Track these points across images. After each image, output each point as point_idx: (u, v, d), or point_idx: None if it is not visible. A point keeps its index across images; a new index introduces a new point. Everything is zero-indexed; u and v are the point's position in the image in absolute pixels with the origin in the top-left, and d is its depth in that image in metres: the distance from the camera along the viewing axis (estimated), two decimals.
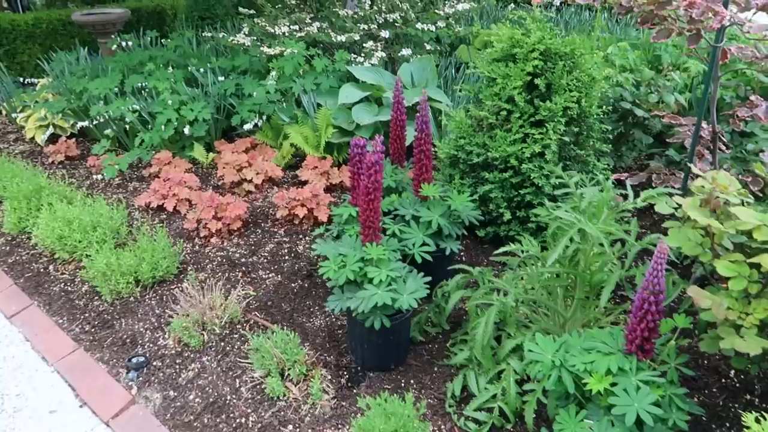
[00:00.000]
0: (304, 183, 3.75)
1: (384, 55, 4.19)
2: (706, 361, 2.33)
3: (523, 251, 2.41)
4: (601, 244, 2.00)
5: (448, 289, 2.43)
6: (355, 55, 4.17)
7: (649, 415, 1.51)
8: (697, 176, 2.51)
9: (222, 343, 2.47)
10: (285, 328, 2.42)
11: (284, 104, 4.01)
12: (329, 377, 2.27)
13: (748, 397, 2.15)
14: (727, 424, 2.04)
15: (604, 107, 2.88)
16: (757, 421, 1.42)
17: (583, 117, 2.88)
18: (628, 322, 1.64)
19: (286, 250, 3.12)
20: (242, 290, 2.76)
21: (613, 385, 1.60)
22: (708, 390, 2.19)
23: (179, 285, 2.85)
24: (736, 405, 2.12)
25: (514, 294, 2.16)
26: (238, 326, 2.56)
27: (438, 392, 2.22)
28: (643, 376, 1.61)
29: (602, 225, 1.86)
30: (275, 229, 3.31)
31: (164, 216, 3.46)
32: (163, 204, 3.45)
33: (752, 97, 2.42)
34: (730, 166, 2.44)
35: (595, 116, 2.90)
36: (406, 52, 4.24)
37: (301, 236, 3.24)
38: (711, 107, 2.29)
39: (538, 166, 2.79)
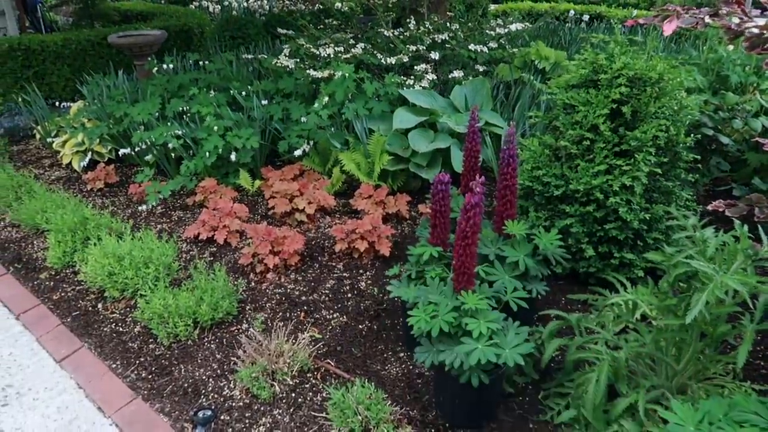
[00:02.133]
0: (358, 212, 3.58)
1: (434, 77, 4.03)
2: None
3: (610, 290, 2.22)
4: (729, 294, 1.80)
5: (543, 338, 2.23)
6: (404, 78, 4.01)
7: None
8: None
9: (293, 395, 2.28)
10: (364, 382, 2.23)
11: (333, 129, 3.85)
12: None
13: None
14: None
15: (692, 135, 2.69)
16: None
17: (670, 146, 2.69)
18: None
19: (347, 287, 2.93)
20: (308, 334, 2.58)
21: None
22: None
23: (239, 326, 2.67)
24: None
25: (627, 348, 1.96)
26: (308, 375, 2.37)
27: None
28: None
29: (739, 275, 1.66)
30: (333, 264, 3.13)
31: (214, 249, 3.29)
32: (213, 236, 3.29)
33: None
34: None
35: (682, 144, 2.71)
36: (457, 74, 4.08)
37: (361, 271, 3.06)
38: None
39: (625, 199, 2.59)
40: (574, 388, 2.03)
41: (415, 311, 2.02)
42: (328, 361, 2.43)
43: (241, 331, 2.64)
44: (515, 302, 2.16)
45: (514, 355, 1.87)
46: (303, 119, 3.79)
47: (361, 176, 3.59)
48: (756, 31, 2.16)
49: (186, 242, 3.36)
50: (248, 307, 2.80)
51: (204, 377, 2.41)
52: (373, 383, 2.21)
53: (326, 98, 3.69)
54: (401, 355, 2.48)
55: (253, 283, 2.98)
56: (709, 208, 2.56)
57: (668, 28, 1.86)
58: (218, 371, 2.43)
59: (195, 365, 2.47)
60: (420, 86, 3.93)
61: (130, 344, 2.63)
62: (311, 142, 3.87)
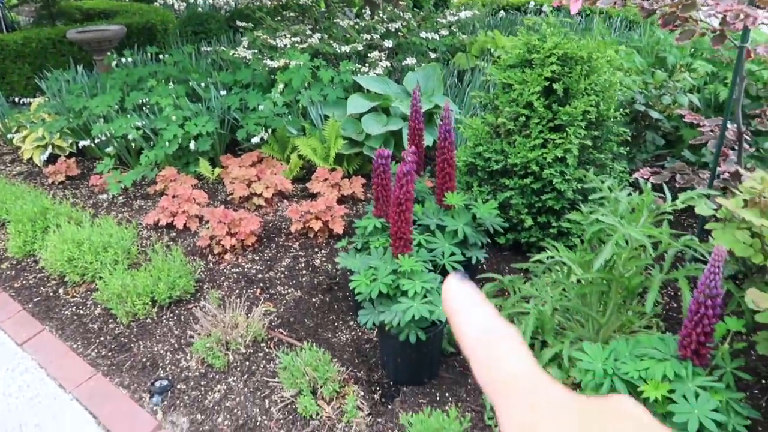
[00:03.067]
0: (315, 195, 3.70)
1: (388, 64, 4.16)
2: (743, 362, 2.29)
3: (549, 258, 2.38)
4: (640, 247, 1.97)
5: None
6: (360, 66, 4.14)
7: (711, 421, 1.47)
8: (721, 176, 2.49)
9: (247, 363, 2.40)
10: (312, 345, 2.35)
11: (290, 117, 3.96)
12: (362, 394, 2.21)
13: None
14: None
15: (620, 110, 2.86)
16: None
17: (601, 121, 2.86)
18: (683, 327, 1.61)
19: (303, 264, 3.05)
20: (262, 307, 2.69)
21: (671, 392, 1.56)
22: (749, 391, 2.16)
23: (197, 304, 2.77)
24: None
25: (551, 302, 2.12)
26: (262, 344, 2.49)
27: (475, 404, 2.16)
28: (701, 382, 1.57)
29: (644, 228, 1.83)
30: (290, 244, 3.25)
31: (174, 234, 3.38)
32: (172, 221, 3.38)
33: None
34: (754, 165, 2.43)
35: (612, 119, 2.89)
36: (410, 61, 4.22)
37: (316, 249, 3.18)
38: (736, 107, 2.28)
39: (559, 171, 2.76)
40: None
41: (356, 276, 2.15)
42: (281, 330, 2.56)
43: (198, 308, 2.74)
44: (451, 265, 2.30)
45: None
46: (260, 107, 3.89)
47: (318, 161, 3.71)
48: (668, 9, 2.33)
49: (146, 228, 3.44)
50: (206, 286, 2.90)
51: (162, 352, 2.51)
52: (322, 348, 2.34)
53: (281, 86, 3.79)
54: (351, 323, 2.61)
55: (211, 264, 3.08)
56: (635, 175, 2.75)
57: (574, 8, 2.01)
58: (176, 345, 2.54)
59: (153, 341, 2.57)
60: (374, 73, 4.06)
61: (91, 325, 2.72)
62: (269, 130, 3.97)
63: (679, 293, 2.70)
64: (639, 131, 3.42)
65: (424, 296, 2.05)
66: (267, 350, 2.46)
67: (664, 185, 2.01)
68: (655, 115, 3.17)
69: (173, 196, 3.50)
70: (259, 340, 2.50)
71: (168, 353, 2.49)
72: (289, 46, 4.29)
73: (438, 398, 2.20)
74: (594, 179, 2.13)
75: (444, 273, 2.29)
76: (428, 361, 2.24)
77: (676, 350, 1.66)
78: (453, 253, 2.37)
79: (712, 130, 2.58)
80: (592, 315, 2.17)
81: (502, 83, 2.95)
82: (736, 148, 2.42)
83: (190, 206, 3.41)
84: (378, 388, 2.24)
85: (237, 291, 2.86)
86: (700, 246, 1.90)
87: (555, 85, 2.76)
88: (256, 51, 4.43)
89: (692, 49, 4.08)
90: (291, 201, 3.71)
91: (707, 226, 1.83)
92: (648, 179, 2.72)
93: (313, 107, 3.83)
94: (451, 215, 2.56)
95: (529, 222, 2.83)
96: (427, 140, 3.62)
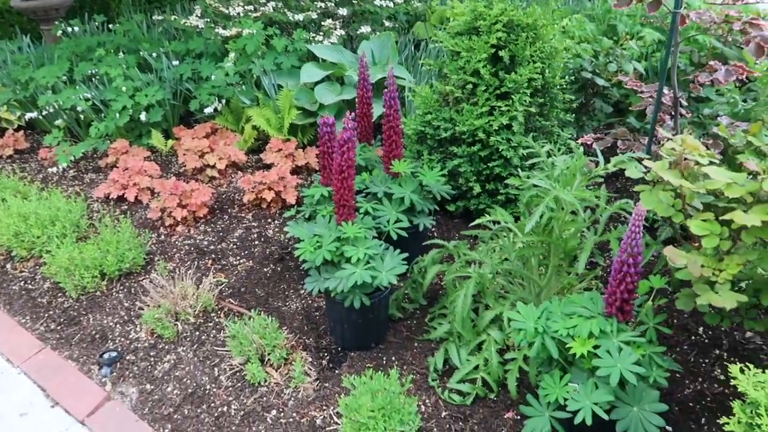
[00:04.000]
0: (269, 166, 3.67)
1: (343, 33, 4.12)
2: (675, 320, 2.40)
3: (495, 223, 2.43)
4: (575, 212, 2.03)
5: (424, 265, 2.43)
6: (314, 34, 4.09)
7: (632, 374, 1.55)
8: (661, 141, 2.56)
9: (197, 333, 2.41)
10: (261, 313, 2.38)
11: (244, 87, 3.91)
12: (310, 360, 2.25)
13: (717, 352, 2.23)
14: (700, 379, 2.11)
15: (566, 78, 2.90)
16: (742, 371, 1.47)
17: (547, 88, 2.90)
18: (608, 285, 1.67)
19: (255, 235, 3.06)
20: (213, 278, 2.70)
21: (596, 347, 1.63)
22: (679, 347, 2.26)
23: (147, 276, 2.77)
24: (707, 360, 2.20)
25: (490, 265, 2.17)
26: (212, 314, 2.50)
27: (420, 367, 2.22)
28: (624, 337, 1.64)
29: (576, 191, 1.88)
30: (243, 215, 3.24)
31: (126, 207, 3.34)
32: (123, 194, 3.34)
33: (711, 62, 2.47)
34: (690, 130, 2.50)
35: (558, 87, 2.92)
36: (365, 29, 4.18)
37: (269, 220, 3.18)
38: (671, 73, 2.33)
39: (505, 138, 2.80)
40: (449, 306, 2.23)
41: (302, 244, 2.17)
42: (230, 300, 2.57)
43: (149, 280, 2.74)
44: (395, 232, 2.34)
45: (389, 277, 2.05)
46: (212, 77, 3.83)
47: (271, 131, 3.69)
48: None
49: (97, 202, 3.39)
50: (157, 258, 2.89)
51: (111, 324, 2.51)
52: (272, 317, 2.37)
53: (232, 54, 3.74)
54: (302, 292, 2.64)
55: (162, 237, 3.07)
56: (579, 141, 2.80)
57: None
58: (125, 318, 2.54)
59: (103, 314, 2.57)
60: (329, 42, 4.02)
61: (39, 300, 2.69)
62: (223, 101, 3.92)
63: None
64: (588, 99, 3.47)
65: (367, 262, 2.09)
66: (217, 320, 2.48)
67: (598, 150, 2.06)
68: (601, 82, 3.22)
69: (124, 169, 3.45)
70: (209, 310, 2.51)
71: (117, 326, 2.49)
72: (242, 14, 4.21)
73: (384, 362, 2.25)
74: (533, 144, 2.17)
75: (389, 240, 2.33)
76: (374, 327, 2.29)
77: (603, 308, 1.73)
78: (398, 220, 2.40)
79: (651, 96, 2.63)
80: (533, 278, 2.23)
81: (451, 51, 2.96)
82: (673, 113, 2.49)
83: (141, 178, 3.37)
84: (326, 354, 2.29)
85: (188, 263, 2.86)
86: (632, 208, 1.96)
87: (501, 53, 2.78)
88: (208, 20, 4.33)
89: (642, 18, 4.13)
90: (245, 172, 3.69)
91: (636, 189, 1.89)
92: (591, 145, 2.78)
93: (267, 77, 3.79)
94: (398, 183, 2.58)
95: (477, 189, 2.88)
96: (378, 109, 3.62)
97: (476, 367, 2.09)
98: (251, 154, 3.86)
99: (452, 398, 2.06)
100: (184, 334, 2.40)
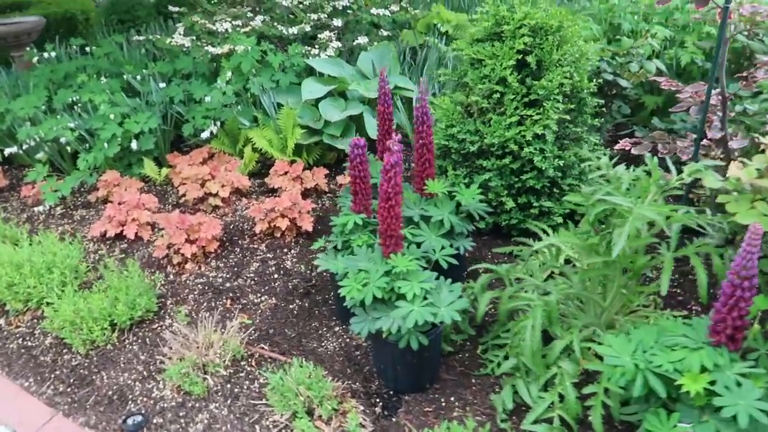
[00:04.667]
0: (275, 191, 3.45)
1: (339, 45, 3.92)
2: None
3: (534, 239, 2.26)
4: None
5: (474, 292, 2.24)
6: (309, 48, 3.88)
7: (761, 412, 1.38)
8: (710, 142, 2.42)
9: (229, 386, 2.17)
10: (298, 358, 2.16)
11: (240, 107, 3.68)
12: (362, 408, 2.03)
13: None
14: None
15: (594, 81, 2.76)
16: None
17: (575, 93, 2.75)
18: (715, 311, 1.51)
19: (273, 268, 2.83)
20: (237, 320, 2.46)
21: (712, 383, 1.46)
22: None
23: (161, 323, 2.51)
24: None
25: (557, 292, 1.99)
26: (242, 363, 2.27)
27: (483, 407, 2.03)
28: (739, 369, 1.47)
29: (659, 207, 1.71)
30: (255, 246, 3.01)
31: (125, 245, 3.07)
32: (122, 232, 3.07)
33: (763, 57, 2.36)
34: (735, 131, 2.38)
35: (586, 90, 2.78)
36: (362, 40, 3.99)
37: (285, 250, 2.96)
38: (720, 70, 2.20)
39: (539, 148, 2.63)
40: (511, 338, 2.05)
41: (346, 281, 1.96)
42: (262, 345, 2.34)
43: (164, 327, 2.49)
44: (445, 260, 2.15)
45: (451, 313, 1.85)
46: (206, 98, 3.59)
47: (275, 153, 3.46)
48: None
49: (93, 241, 3.12)
50: (169, 302, 2.64)
51: (130, 382, 2.25)
52: (311, 361, 2.15)
53: (229, 73, 3.50)
54: (336, 329, 2.42)
55: (171, 276, 2.81)
56: (617, 147, 2.66)
57: None
58: (144, 373, 2.28)
59: (118, 370, 2.30)
60: (326, 55, 3.82)
61: (42, 358, 2.42)
62: (218, 123, 3.68)
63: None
64: (606, 101, 3.34)
65: (424, 298, 1.88)
66: (249, 369, 2.24)
67: (667, 159, 1.91)
68: (624, 83, 3.09)
69: (119, 203, 3.18)
70: (238, 358, 2.28)
71: (137, 383, 2.24)
72: (230, 30, 3.98)
73: (444, 404, 2.05)
74: (590, 156, 2.00)
75: (437, 269, 2.13)
76: (429, 365, 2.09)
77: (705, 336, 1.56)
78: (443, 247, 2.21)
79: (691, 96, 2.50)
80: (595, 299, 2.07)
81: (471, 59, 2.78)
82: (719, 113, 2.35)
83: (140, 213, 3.10)
84: (378, 400, 2.08)
85: (205, 304, 2.61)
86: (711, 219, 1.81)
87: (528, 58, 2.62)
88: (194, 38, 4.08)
89: (643, 15, 4.03)
90: (249, 199, 3.45)
91: (720, 199, 1.74)
92: (629, 150, 2.63)
93: (266, 95, 3.56)
94: (434, 204, 2.39)
95: (510, 204, 2.71)
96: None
97: (551, 405, 1.90)
98: (253, 179, 3.63)
99: None
100: (215, 389, 2.16)
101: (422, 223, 2.33)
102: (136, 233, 3.07)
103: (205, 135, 3.54)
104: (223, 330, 2.36)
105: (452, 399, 2.07)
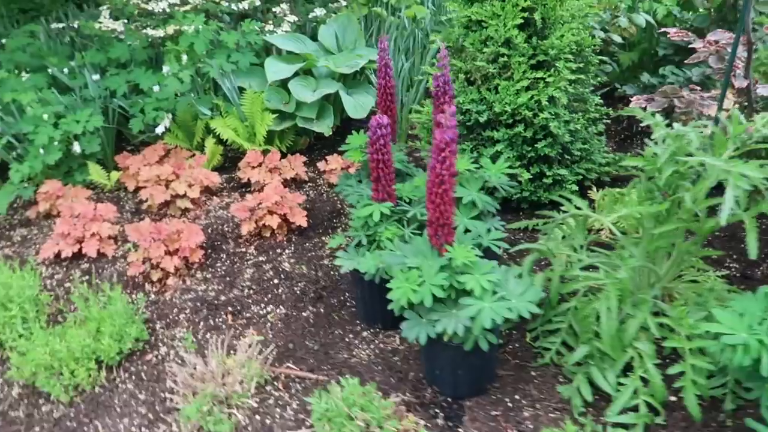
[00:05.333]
0: (247, 185, 3.10)
1: (296, 19, 3.56)
2: None
3: (559, 210, 2.09)
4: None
5: (522, 275, 2.03)
6: (262, 24, 3.49)
7: None
8: (734, 92, 2.31)
9: (259, 417, 1.86)
10: (327, 373, 1.88)
11: (193, 95, 3.26)
12: (423, 422, 1.79)
13: None
14: None
15: (597, 37, 2.60)
16: None
17: (579, 50, 2.57)
18: None
19: (271, 273, 2.50)
20: (246, 338, 2.14)
21: None
22: None
23: (155, 353, 2.14)
24: None
25: (627, 268, 1.81)
26: (268, 388, 1.95)
27: (553, 401, 1.84)
28: None
29: (752, 165, 1.55)
30: (243, 249, 2.65)
31: (86, 265, 2.63)
32: (80, 250, 2.62)
33: None
34: (756, 78, 2.29)
35: (590, 48, 2.61)
36: (319, 12, 3.65)
37: (279, 250, 2.63)
38: (746, 16, 2.08)
39: (554, 113, 2.44)
40: (578, 322, 1.86)
41: (396, 282, 1.69)
42: (288, 365, 2.03)
43: (160, 357, 2.12)
44: (495, 245, 1.92)
45: (527, 305, 1.63)
46: (155, 88, 3.14)
47: (244, 143, 3.09)
48: None
49: (46, 265, 2.65)
50: (159, 326, 2.26)
51: (134, 429, 1.88)
52: (348, 375, 1.87)
53: (184, 56, 3.07)
54: (364, 334, 2.15)
55: (153, 296, 2.42)
56: (633, 104, 2.50)
57: None
58: (150, 416, 1.91)
59: (115, 416, 1.93)
60: (282, 31, 3.45)
61: (13, 414, 1.99)
62: (170, 115, 3.24)
63: None
64: None
65: (494, 292, 1.65)
66: (277, 394, 1.93)
67: (736, 111, 1.75)
68: (617, 39, 2.96)
69: (72, 216, 2.72)
70: (262, 383, 1.96)
71: (144, 429, 1.87)
72: (167, 9, 3.51)
73: (509, 404, 1.84)
74: (645, 116, 1.82)
75: (489, 256, 1.89)
76: (490, 365, 1.87)
77: None
78: (489, 230, 1.98)
79: (705, 47, 2.39)
80: (656, 270, 1.91)
81: (467, 20, 2.54)
82: (741, 62, 2.25)
83: (100, 226, 2.67)
84: (436, 410, 1.83)
85: (202, 324, 2.26)
86: None
87: (534, 15, 2.41)
88: (125, 21, 3.58)
89: None
90: (221, 197, 3.07)
91: None
92: (645, 108, 2.49)
93: (226, 79, 3.16)
94: (460, 183, 2.15)
95: (526, 175, 2.52)
96: (360, 109, 3.15)
97: (634, 391, 1.73)
98: (219, 173, 3.23)
99: None
100: (245, 423, 1.84)
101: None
102: (99, 250, 2.63)
103: (159, 129, 3.10)
104: (234, 352, 2.03)
105: (516, 397, 1.87)
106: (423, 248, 1.77)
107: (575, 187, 2.60)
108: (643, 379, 1.74)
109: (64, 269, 2.62)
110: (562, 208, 2.49)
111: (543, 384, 1.90)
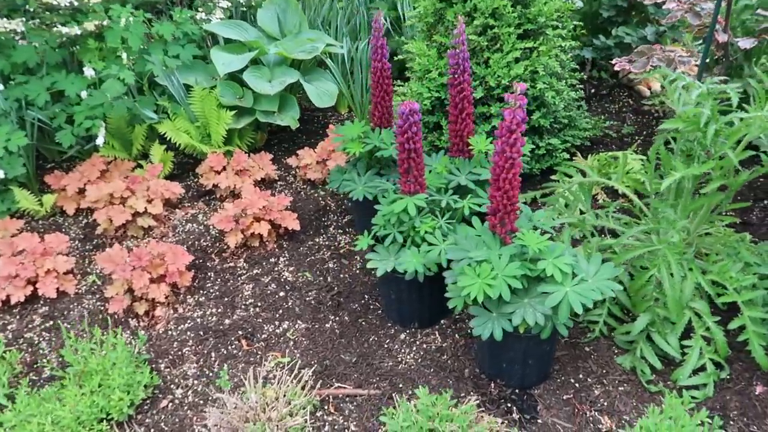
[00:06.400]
0: (212, 192, 2.80)
1: (229, 4, 3.24)
2: None
3: (566, 177, 2.08)
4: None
5: None
6: (192, 12, 3.14)
7: None
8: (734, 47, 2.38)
9: None
10: (375, 386, 1.72)
11: (126, 97, 2.87)
12: (500, 420, 1.68)
13: None
14: None
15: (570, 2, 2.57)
16: None
17: (559, 17, 2.54)
18: None
19: (273, 286, 2.26)
20: (269, 362, 1.92)
21: None
22: None
23: (170, 397, 1.86)
24: None
25: (676, 231, 1.80)
26: (319, 414, 1.76)
27: (616, 374, 1.81)
28: None
29: None
30: (231, 264, 2.38)
31: (46, 309, 2.24)
32: (35, 291, 2.22)
33: None
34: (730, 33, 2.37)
35: (568, 12, 2.58)
36: None
37: (273, 260, 2.39)
38: None
39: (548, 83, 2.40)
40: (633, 292, 1.83)
41: (466, 278, 1.56)
42: (339, 384, 1.83)
43: (177, 402, 1.84)
44: (544, 225, 1.84)
45: (609, 284, 1.57)
46: (83, 94, 2.72)
47: (202, 146, 2.78)
48: None
49: None
50: (163, 365, 1.97)
51: None
52: (401, 384, 1.72)
53: (125, 55, 2.67)
54: (401, 336, 2.00)
55: (142, 331, 2.10)
56: (617, 68, 2.52)
57: None
58: None
59: None
60: (217, 18, 3.12)
61: None
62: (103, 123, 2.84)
63: None
64: None
65: (573, 275, 1.57)
66: (330, 418, 1.74)
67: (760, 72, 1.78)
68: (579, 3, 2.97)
69: (14, 254, 2.30)
70: (311, 411, 1.76)
71: None
72: (74, 2, 3.05)
73: (576, 384, 1.79)
74: (678, 76, 1.81)
75: None
76: (554, 350, 1.80)
77: None
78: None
79: (679, 6, 2.44)
80: (689, 227, 1.93)
81: None
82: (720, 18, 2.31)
83: (54, 261, 2.27)
84: (506, 403, 1.74)
85: (213, 354, 1.99)
86: None
87: None
88: (25, 19, 3.06)
89: None
90: (184, 209, 2.74)
91: None
92: (628, 70, 2.51)
93: (172, 76, 2.80)
94: (479, 164, 2.04)
95: (527, 147, 2.45)
96: (326, 98, 2.94)
97: (700, 353, 1.74)
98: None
99: (694, 396, 1.70)
100: None
101: (479, 189, 1.97)
102: (59, 288, 2.25)
103: (99, 141, 2.69)
104: (265, 382, 1.81)
105: (580, 376, 1.82)
106: (485, 238, 1.65)
107: (566, 155, 2.59)
108: (703, 337, 1.75)
109: (17, 318, 2.21)
110: (553, 177, 2.50)
111: (600, 358, 1.87)
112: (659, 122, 3.06)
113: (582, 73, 3.02)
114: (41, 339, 2.09)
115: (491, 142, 2.04)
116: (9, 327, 2.17)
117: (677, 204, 1.92)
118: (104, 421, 1.74)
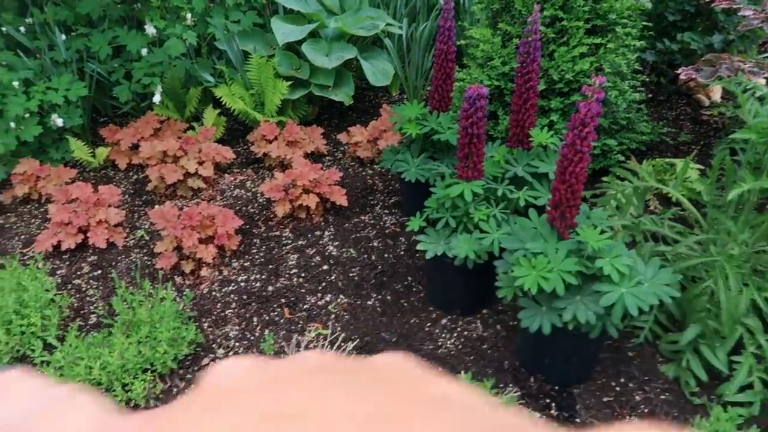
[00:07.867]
0: (260, 161, 2.82)
1: None
2: None
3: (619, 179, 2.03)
4: None
5: None
6: None
7: None
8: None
9: None
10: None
11: (188, 59, 2.89)
12: (537, 415, 1.68)
13: None
14: None
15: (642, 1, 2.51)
16: None
17: (630, 15, 2.48)
18: None
19: (318, 259, 2.28)
20: (311, 332, 1.94)
21: None
22: None
23: (212, 355, 1.89)
24: None
25: (737, 244, 1.76)
26: None
27: (659, 382, 1.79)
28: None
29: None
30: (277, 233, 2.40)
31: (94, 258, 2.29)
32: (85, 240, 2.27)
33: None
34: None
35: (639, 11, 2.52)
36: None
37: (319, 233, 2.40)
38: None
39: (612, 82, 2.35)
40: (686, 302, 1.80)
41: (521, 269, 1.55)
42: None
43: (217, 361, 1.87)
44: (605, 222, 1.81)
45: (667, 289, 1.54)
46: (143, 51, 2.75)
47: (256, 114, 2.79)
48: None
49: (43, 260, 2.27)
50: (206, 324, 2.00)
51: None
52: (440, 368, 1.73)
53: (189, 15, 2.69)
54: (443, 321, 2.00)
55: (187, 290, 2.14)
56: (682, 77, 2.45)
57: None
58: None
59: None
60: None
61: None
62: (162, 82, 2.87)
63: None
64: None
65: (631, 276, 1.55)
66: None
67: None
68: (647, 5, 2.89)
69: (68, 202, 2.35)
70: None
71: None
72: None
73: (617, 388, 1.77)
74: (757, 86, 1.76)
75: None
76: (600, 351, 1.78)
77: None
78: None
79: (753, 15, 2.36)
80: (748, 241, 1.89)
81: None
82: None
83: (107, 212, 2.32)
84: (548, 401, 1.73)
85: (255, 320, 2.02)
86: None
87: None
88: None
89: None
90: (233, 174, 2.77)
91: None
92: (695, 78, 2.45)
93: (232, 42, 2.82)
94: (537, 157, 2.02)
95: None
96: (381, 76, 2.93)
97: (749, 370, 1.71)
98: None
99: (740, 413, 1.67)
100: None
101: (536, 183, 1.95)
102: (108, 239, 2.29)
103: (156, 99, 2.73)
104: (299, 347, 1.83)
105: (622, 380, 1.80)
106: (541, 231, 1.63)
107: (621, 157, 2.54)
108: (754, 355, 1.72)
109: (67, 264, 2.27)
110: (604, 178, 2.46)
111: (643, 364, 1.85)
112: (718, 133, 2.98)
113: (644, 76, 2.96)
114: (89, 286, 2.14)
115: (551, 136, 2.01)
116: (58, 272, 2.23)
117: (738, 217, 1.88)
118: (148, 371, 1.78)
